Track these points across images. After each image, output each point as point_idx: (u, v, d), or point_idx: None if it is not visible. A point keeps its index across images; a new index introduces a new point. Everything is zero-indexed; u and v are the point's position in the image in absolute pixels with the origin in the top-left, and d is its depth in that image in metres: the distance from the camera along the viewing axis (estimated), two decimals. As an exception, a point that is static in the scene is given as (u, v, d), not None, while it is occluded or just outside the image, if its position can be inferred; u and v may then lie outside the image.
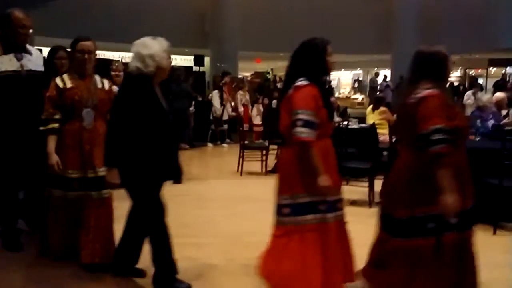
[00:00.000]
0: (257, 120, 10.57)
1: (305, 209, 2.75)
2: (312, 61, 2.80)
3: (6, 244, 3.74)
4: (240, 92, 11.08)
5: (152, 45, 2.94)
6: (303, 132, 2.63)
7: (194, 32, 16.11)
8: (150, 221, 2.97)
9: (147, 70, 2.90)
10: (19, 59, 3.55)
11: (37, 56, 3.74)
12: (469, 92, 12.54)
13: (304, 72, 2.77)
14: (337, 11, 17.04)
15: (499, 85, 14.67)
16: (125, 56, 17.08)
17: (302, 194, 2.75)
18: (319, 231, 2.76)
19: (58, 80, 3.31)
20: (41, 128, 3.23)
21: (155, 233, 2.98)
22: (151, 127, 2.87)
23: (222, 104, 10.44)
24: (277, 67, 23.61)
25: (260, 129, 10.36)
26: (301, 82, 2.74)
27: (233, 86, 11.23)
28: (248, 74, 20.61)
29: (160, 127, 2.91)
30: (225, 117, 10.54)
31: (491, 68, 22.38)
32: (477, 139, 5.55)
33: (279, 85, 18.31)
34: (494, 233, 4.43)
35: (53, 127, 3.25)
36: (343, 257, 2.86)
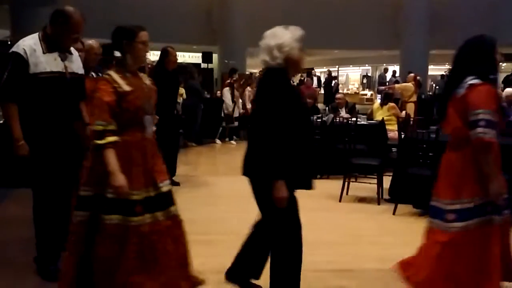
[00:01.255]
0: None
1: (473, 213, 2.64)
2: (481, 59, 2.68)
3: (41, 271, 3.26)
4: (248, 88, 11.08)
5: (282, 35, 2.64)
6: (486, 133, 2.50)
7: (202, 29, 16.10)
8: (284, 236, 2.69)
9: (274, 63, 2.62)
10: (63, 60, 3.20)
11: (77, 56, 3.39)
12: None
13: (473, 70, 2.64)
14: (345, 6, 16.96)
15: (509, 80, 14.54)
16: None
17: (471, 199, 2.63)
18: (484, 233, 2.66)
19: (113, 82, 2.70)
20: (98, 142, 2.62)
21: (286, 251, 2.71)
22: (296, 129, 2.58)
23: (233, 101, 10.43)
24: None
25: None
26: (475, 80, 2.60)
27: (241, 82, 11.24)
28: (256, 70, 20.59)
29: (304, 129, 2.66)
30: (236, 114, 10.54)
31: (501, 63, 22.15)
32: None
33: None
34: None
35: (115, 140, 2.64)
36: (505, 259, 2.75)
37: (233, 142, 10.50)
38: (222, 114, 10.50)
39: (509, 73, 16.95)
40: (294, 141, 2.54)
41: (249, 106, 10.73)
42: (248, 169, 2.70)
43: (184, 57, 17.87)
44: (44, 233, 3.22)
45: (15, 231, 4.09)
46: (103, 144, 2.61)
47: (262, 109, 2.56)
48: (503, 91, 7.35)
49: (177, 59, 6.11)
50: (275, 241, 2.72)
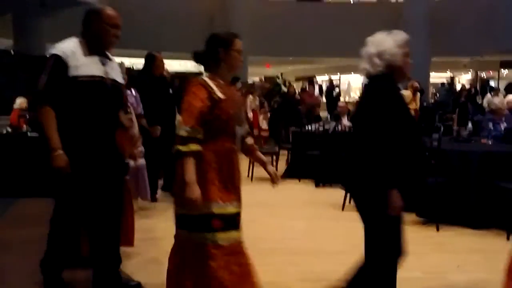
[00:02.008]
0: (264, 125, 10.65)
1: None
2: None
3: (48, 284, 3.09)
4: (250, 97, 11.11)
5: (383, 42, 2.50)
6: None
7: (204, 38, 16.14)
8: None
9: (375, 71, 2.49)
10: (103, 65, 2.95)
11: (116, 64, 3.15)
12: (489, 95, 12.49)
13: None
14: (346, 15, 17.03)
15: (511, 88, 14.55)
16: (136, 62, 17.17)
17: None
18: None
19: (208, 87, 2.56)
20: (180, 148, 2.42)
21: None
22: (405, 137, 2.42)
23: None
24: (287, 71, 23.59)
25: (266, 134, 10.45)
26: None
27: (243, 91, 11.29)
28: (257, 78, 20.68)
29: (412, 136, 2.50)
30: None
31: (503, 70, 22.18)
32: (490, 142, 5.50)
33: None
34: (508, 238, 4.36)
35: (197, 149, 2.44)
36: None
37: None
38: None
39: (511, 81, 16.95)
40: (403, 149, 2.39)
41: (250, 114, 10.74)
42: (354, 180, 2.54)
43: (186, 65, 17.94)
44: (59, 244, 3.04)
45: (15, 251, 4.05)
46: (184, 152, 2.41)
47: (372, 118, 2.39)
48: (505, 98, 7.34)
49: (164, 64, 5.83)
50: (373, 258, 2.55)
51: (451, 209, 4.77)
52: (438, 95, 17.15)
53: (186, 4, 15.77)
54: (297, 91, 18.73)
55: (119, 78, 3.08)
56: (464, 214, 4.70)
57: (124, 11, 13.87)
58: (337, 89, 19.71)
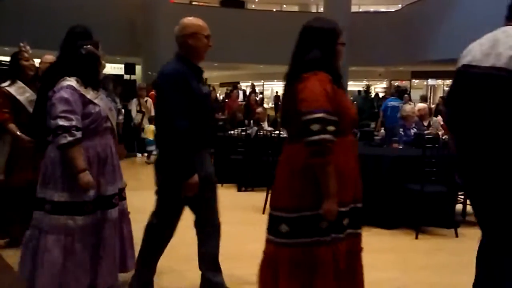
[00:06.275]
0: None
1: None
2: None
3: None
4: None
5: None
6: None
7: (126, 40, 15.76)
8: None
9: None
10: None
11: None
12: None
13: None
14: (269, 22, 17.33)
15: (425, 97, 15.49)
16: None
17: None
18: None
19: None
20: None
21: None
22: None
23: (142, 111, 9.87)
24: (212, 77, 23.55)
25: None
26: None
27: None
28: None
29: None
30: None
31: (414, 80, 23.65)
32: (400, 147, 5.83)
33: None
34: (416, 237, 4.63)
35: None
36: None
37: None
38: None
39: (421, 89, 18.05)
40: None
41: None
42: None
43: (106, 68, 17.37)
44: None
45: None
46: None
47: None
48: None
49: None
50: None
51: (364, 210, 4.99)
52: (355, 102, 17.90)
53: (107, 8, 15.30)
54: (221, 96, 18.82)
55: None
56: (376, 215, 4.93)
57: (51, 14, 13.09)
58: (260, 95, 19.98)
